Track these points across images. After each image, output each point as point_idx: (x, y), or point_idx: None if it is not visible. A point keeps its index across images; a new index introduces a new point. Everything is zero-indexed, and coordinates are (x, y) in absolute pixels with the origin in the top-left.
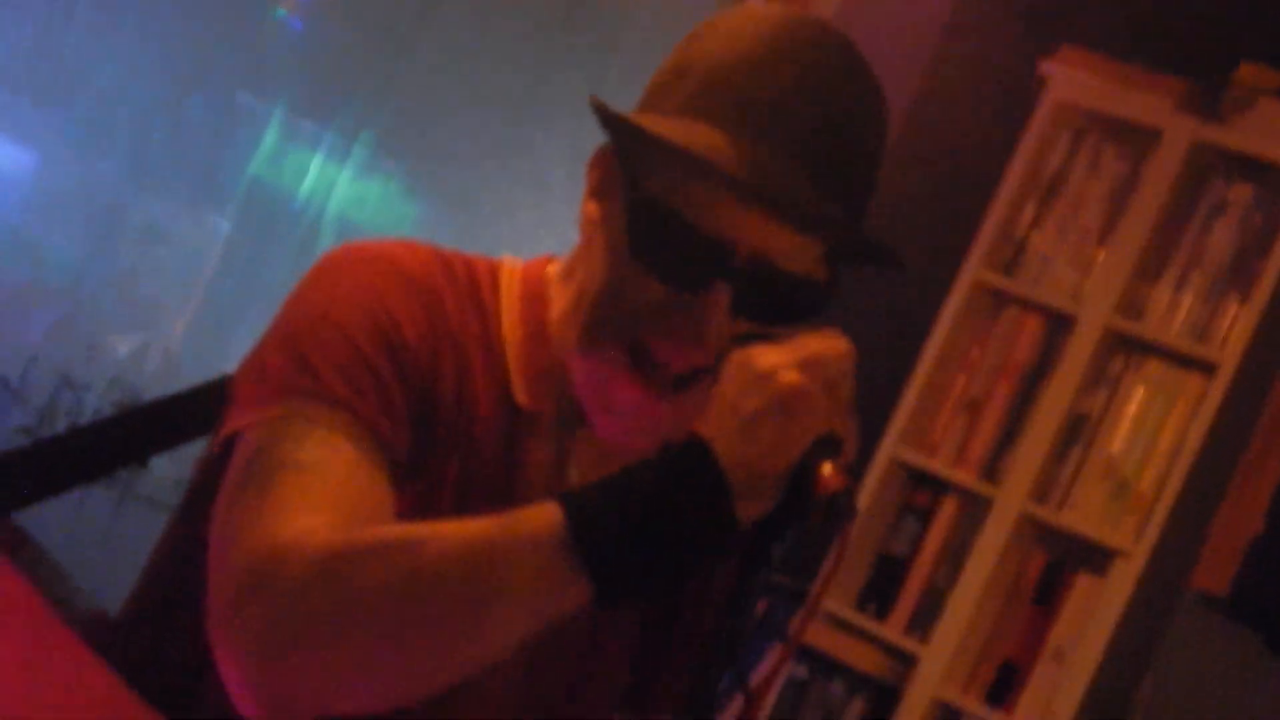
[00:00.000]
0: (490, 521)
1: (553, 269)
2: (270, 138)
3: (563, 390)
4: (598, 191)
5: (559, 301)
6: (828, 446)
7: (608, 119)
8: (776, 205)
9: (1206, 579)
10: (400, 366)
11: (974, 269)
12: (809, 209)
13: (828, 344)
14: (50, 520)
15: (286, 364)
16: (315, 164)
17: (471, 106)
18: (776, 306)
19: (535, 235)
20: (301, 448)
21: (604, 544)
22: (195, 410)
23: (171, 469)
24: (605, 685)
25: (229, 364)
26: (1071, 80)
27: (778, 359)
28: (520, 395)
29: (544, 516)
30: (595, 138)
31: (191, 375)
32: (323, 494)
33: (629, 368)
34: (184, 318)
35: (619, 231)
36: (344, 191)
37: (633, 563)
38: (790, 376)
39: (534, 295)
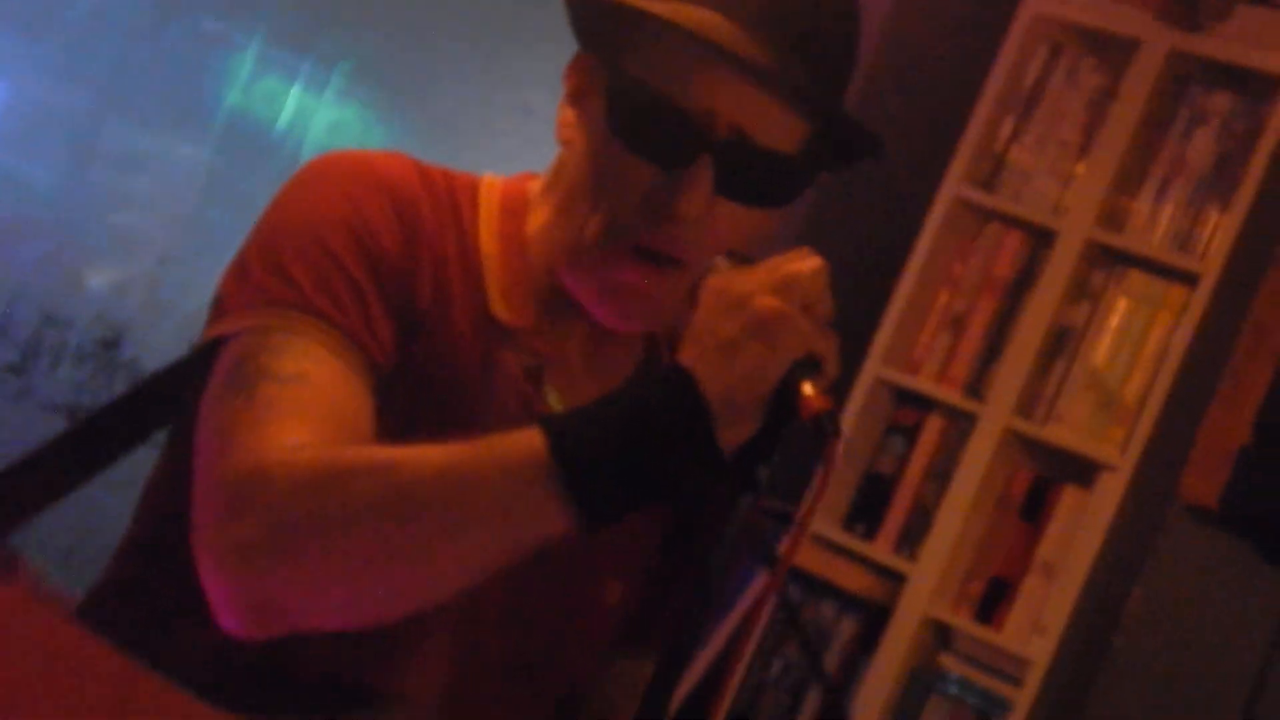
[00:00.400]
0: (472, 445)
1: (533, 185)
2: (246, 66)
3: (540, 303)
4: (576, 95)
5: (540, 212)
6: (808, 368)
7: (606, 5)
8: (764, 74)
9: (1194, 490)
10: (378, 277)
11: (954, 184)
12: (797, 82)
13: (801, 264)
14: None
15: (267, 274)
16: (293, 94)
17: (450, 31)
18: (757, 185)
19: (517, 160)
20: (283, 359)
21: (585, 469)
22: (175, 389)
23: None
24: (598, 617)
25: (208, 297)
26: None
27: (752, 283)
28: (496, 308)
29: (525, 441)
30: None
31: (173, 309)
32: (305, 407)
33: (622, 251)
34: (164, 250)
35: (600, 122)
36: (323, 120)
37: (614, 488)
38: (765, 300)
39: (513, 210)
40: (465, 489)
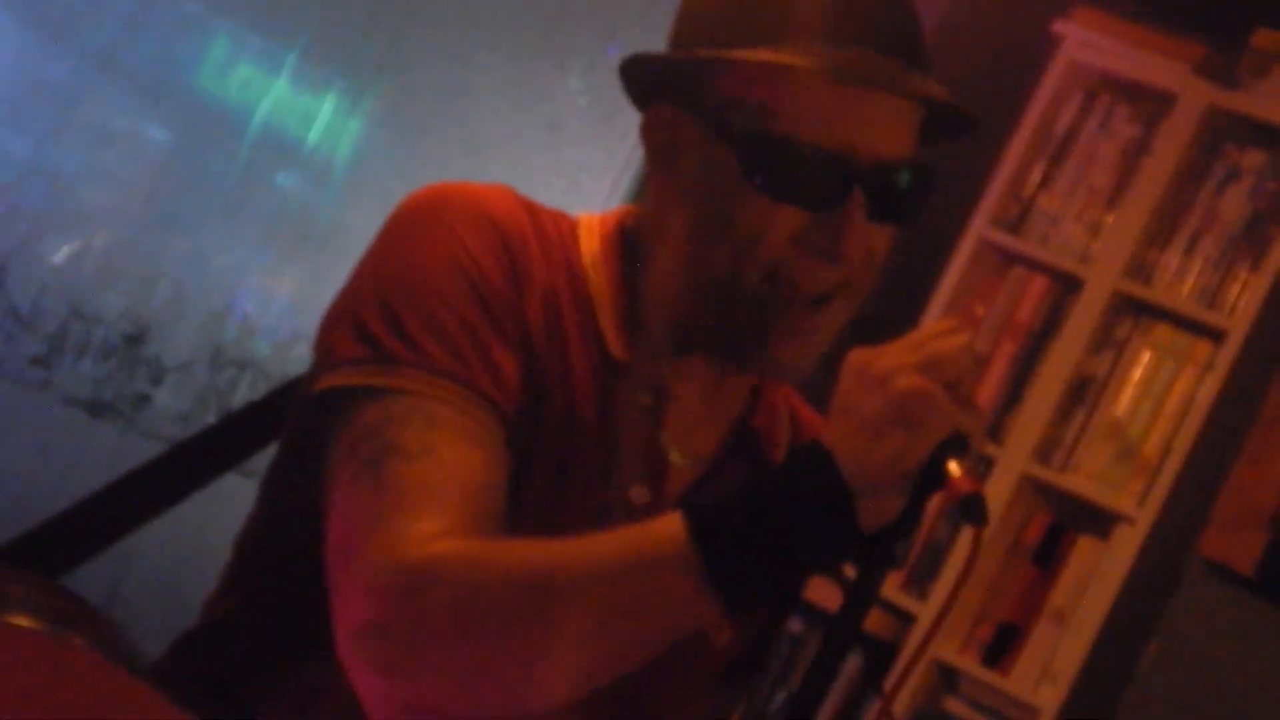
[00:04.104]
0: (617, 542)
1: (631, 224)
2: (219, 49)
3: (654, 341)
4: (666, 152)
5: (658, 257)
6: (954, 445)
7: (687, 61)
8: (899, 89)
9: (1216, 548)
10: (494, 317)
11: (980, 226)
12: (910, 82)
13: (945, 341)
14: (54, 458)
15: (383, 329)
16: (274, 84)
17: (477, 43)
18: (903, 201)
19: (548, 176)
20: (408, 431)
21: (732, 563)
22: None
23: (175, 402)
24: (706, 658)
25: (164, 270)
26: (1085, 40)
27: (895, 360)
28: (613, 345)
29: (670, 537)
30: (607, 80)
31: (128, 282)
32: (436, 487)
33: (791, 300)
34: (123, 223)
35: (723, 174)
36: (289, 107)
37: (759, 576)
38: (910, 380)
39: (619, 250)
40: (613, 590)
